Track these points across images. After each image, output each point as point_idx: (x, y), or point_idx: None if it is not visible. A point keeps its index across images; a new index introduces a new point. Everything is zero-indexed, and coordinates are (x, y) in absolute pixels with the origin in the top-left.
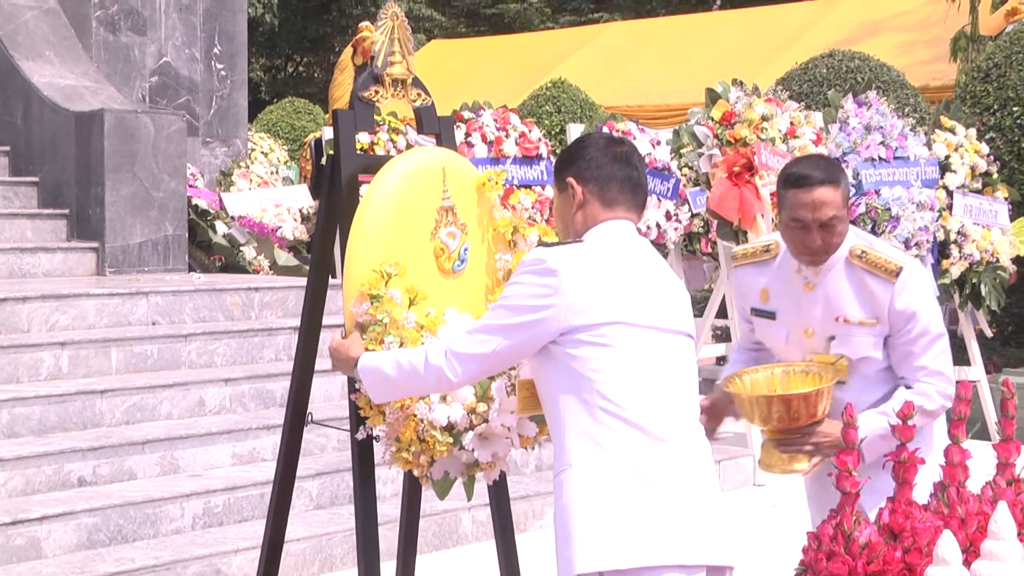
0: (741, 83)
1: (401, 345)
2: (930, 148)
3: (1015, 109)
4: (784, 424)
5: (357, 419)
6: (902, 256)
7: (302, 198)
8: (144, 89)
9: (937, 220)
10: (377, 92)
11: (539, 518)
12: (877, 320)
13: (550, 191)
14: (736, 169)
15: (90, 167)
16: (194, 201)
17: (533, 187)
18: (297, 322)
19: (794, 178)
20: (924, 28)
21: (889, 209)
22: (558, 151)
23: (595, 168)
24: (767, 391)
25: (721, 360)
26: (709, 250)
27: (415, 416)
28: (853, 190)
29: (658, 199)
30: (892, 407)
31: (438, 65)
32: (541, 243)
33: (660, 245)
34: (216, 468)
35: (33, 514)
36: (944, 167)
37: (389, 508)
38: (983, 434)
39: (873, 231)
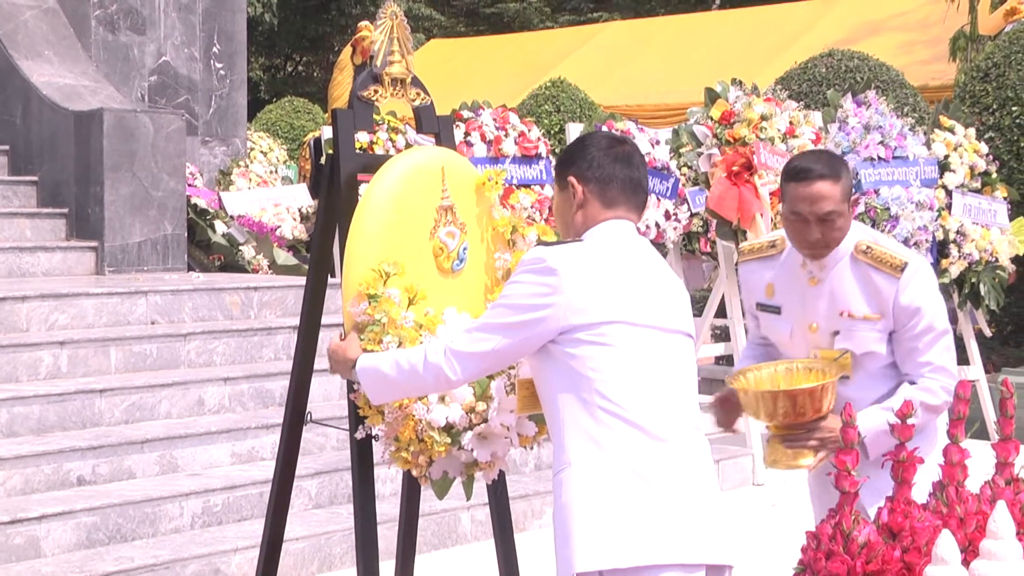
0: (740, 83)
1: (400, 345)
2: (929, 148)
3: (1014, 109)
4: (790, 420)
5: (356, 418)
6: (908, 252)
7: (301, 197)
8: (143, 88)
9: (936, 220)
10: (376, 91)
11: (538, 517)
12: (881, 315)
13: (549, 191)
14: (735, 168)
15: (89, 166)
16: (193, 200)
17: (532, 186)
18: (296, 321)
19: (795, 171)
20: (923, 28)
21: (888, 208)
22: (557, 151)
23: (596, 168)
24: (771, 388)
25: (720, 360)
26: (708, 250)
27: (414, 416)
28: (853, 189)
29: (657, 198)
30: (896, 403)
31: (437, 64)
32: (540, 242)
33: (659, 244)
34: (215, 467)
35: (32, 513)
36: (943, 167)
37: (388, 507)
38: (982, 434)
39: None
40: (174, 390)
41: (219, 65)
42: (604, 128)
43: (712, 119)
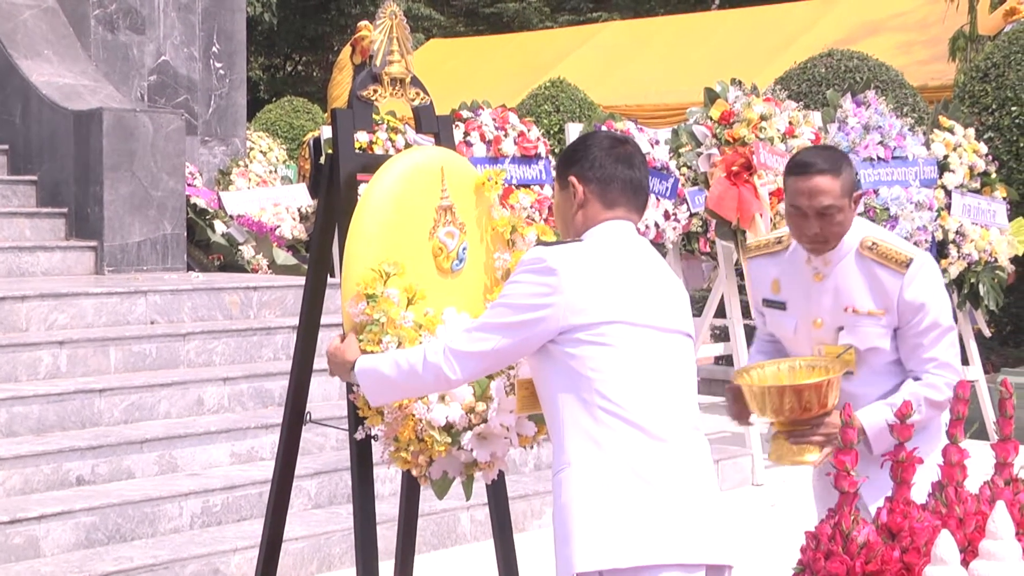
0: (740, 82)
1: (399, 345)
2: (928, 148)
3: (1013, 109)
4: (796, 415)
5: (355, 418)
6: (913, 248)
7: (301, 197)
8: (143, 88)
9: (935, 220)
10: (376, 91)
11: (538, 517)
12: (885, 311)
13: (548, 191)
14: (735, 168)
15: (89, 166)
16: (193, 200)
17: (532, 186)
18: (296, 321)
19: (795, 165)
20: (923, 28)
21: (887, 209)
22: (557, 151)
23: (598, 168)
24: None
25: (720, 360)
26: (707, 250)
27: (413, 416)
28: (856, 185)
29: (657, 198)
30: (900, 399)
31: (437, 64)
32: (540, 242)
33: (659, 244)
34: (214, 467)
35: (31, 513)
36: (942, 167)
37: (387, 507)
38: (981, 434)
39: None
40: (173, 390)
41: (218, 65)
42: (604, 128)
43: (711, 119)
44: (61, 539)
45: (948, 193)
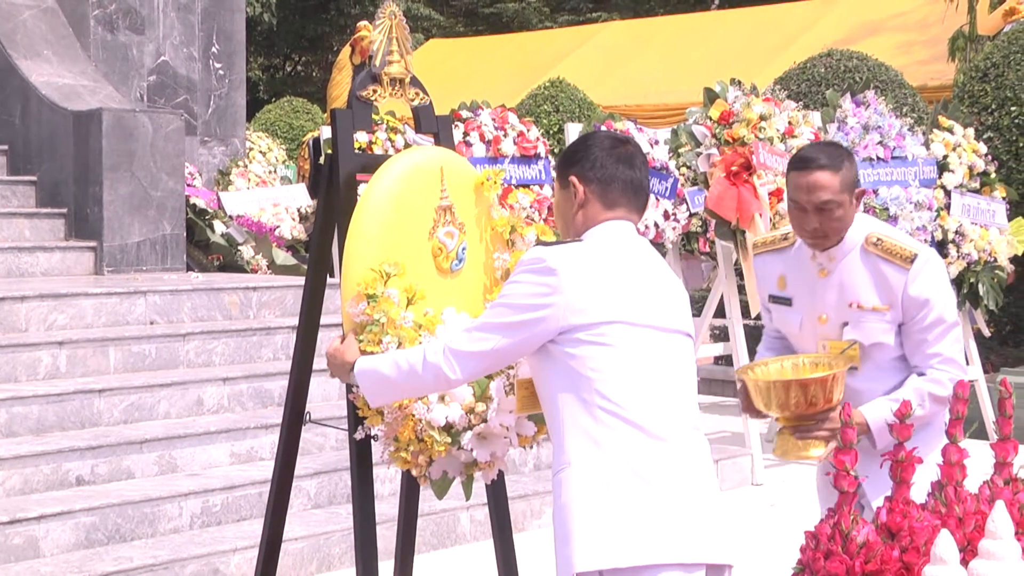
0: (739, 82)
1: (399, 345)
2: (928, 148)
3: (1013, 109)
4: (801, 409)
5: (355, 418)
6: (918, 244)
7: (300, 197)
8: (142, 88)
9: (935, 220)
10: (375, 91)
11: (537, 517)
12: (890, 306)
13: (548, 190)
14: (734, 168)
15: (88, 166)
16: (192, 200)
17: (531, 186)
18: (295, 321)
19: (796, 160)
20: (922, 28)
21: (887, 208)
22: (556, 151)
23: (599, 168)
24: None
25: (719, 360)
26: (707, 250)
27: (413, 416)
28: (857, 181)
29: (656, 198)
30: (904, 394)
31: (436, 64)
32: (540, 242)
33: (658, 244)
34: (214, 467)
35: (31, 513)
36: (942, 167)
37: (387, 507)
38: (981, 433)
39: None
40: (173, 390)
41: (218, 65)
42: (603, 128)
43: (711, 119)
44: (61, 539)
45: (947, 193)
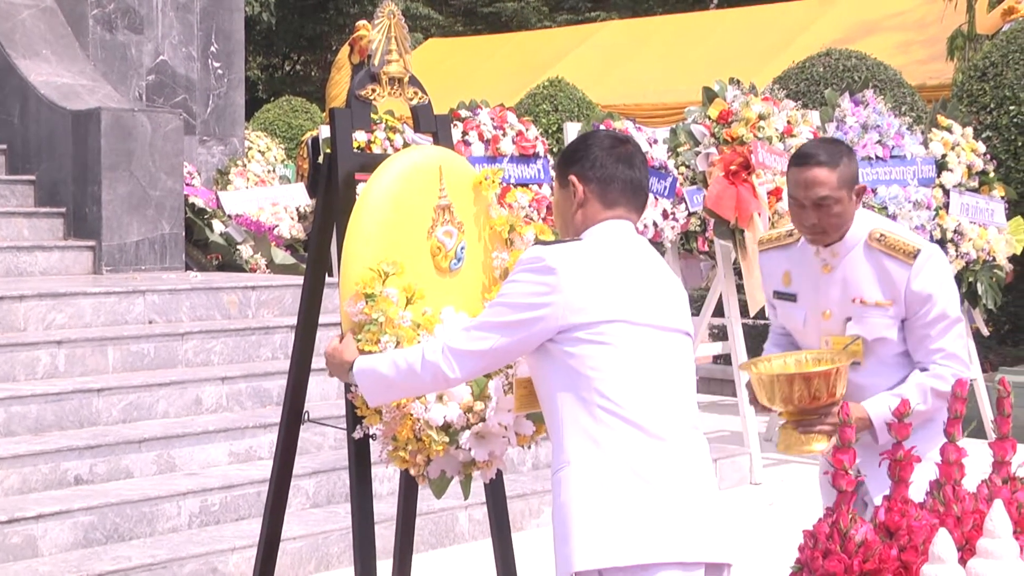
0: (738, 82)
1: (397, 344)
2: (927, 147)
3: (1011, 108)
4: (805, 403)
5: (354, 418)
6: (921, 240)
7: (299, 197)
8: (141, 88)
9: (934, 219)
10: (374, 90)
11: (536, 516)
12: (893, 302)
13: (547, 190)
14: (733, 168)
15: (87, 166)
16: (191, 200)
17: (530, 185)
18: (294, 321)
19: (796, 157)
20: (921, 27)
21: (886, 207)
22: (555, 150)
23: (598, 168)
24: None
25: (718, 359)
26: (706, 249)
27: (411, 415)
28: (857, 178)
29: (655, 198)
30: (906, 390)
31: (435, 63)
32: (539, 241)
33: (657, 244)
34: (213, 467)
35: (29, 512)
36: (941, 166)
37: (386, 506)
38: (979, 432)
39: None
40: (172, 389)
41: (217, 64)
42: (602, 127)
43: (710, 118)
44: (59, 539)
45: (946, 192)
